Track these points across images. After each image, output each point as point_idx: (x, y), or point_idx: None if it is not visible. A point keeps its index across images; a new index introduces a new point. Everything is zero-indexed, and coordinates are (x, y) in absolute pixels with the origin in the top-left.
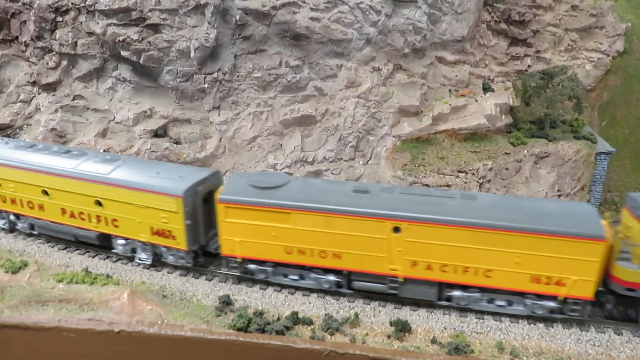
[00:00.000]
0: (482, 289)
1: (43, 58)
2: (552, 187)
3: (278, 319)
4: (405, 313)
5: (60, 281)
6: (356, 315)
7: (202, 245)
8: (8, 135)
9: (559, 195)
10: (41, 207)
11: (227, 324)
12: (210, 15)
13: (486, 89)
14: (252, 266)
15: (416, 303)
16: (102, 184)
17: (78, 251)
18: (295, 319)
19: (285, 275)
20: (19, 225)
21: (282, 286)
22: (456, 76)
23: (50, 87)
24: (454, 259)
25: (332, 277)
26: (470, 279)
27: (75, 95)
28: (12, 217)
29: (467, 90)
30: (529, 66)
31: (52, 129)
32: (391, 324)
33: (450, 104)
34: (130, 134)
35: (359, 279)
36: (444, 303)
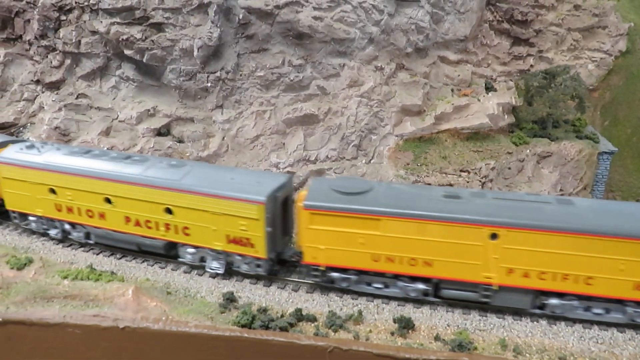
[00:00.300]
0: (579, 297)
1: (47, 57)
2: (555, 187)
3: (282, 316)
4: (409, 310)
5: (65, 278)
6: (359, 312)
7: (278, 252)
8: (12, 134)
9: (562, 195)
10: (102, 216)
11: (231, 320)
12: (213, 14)
13: (489, 88)
14: (335, 274)
15: (419, 300)
16: (173, 191)
17: (82, 248)
18: (299, 316)
19: (369, 284)
20: (74, 235)
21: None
22: (459, 76)
23: (54, 86)
24: (553, 266)
25: (421, 286)
26: (570, 287)
27: (79, 94)
28: (67, 227)
29: (470, 89)
30: (531, 66)
31: (56, 128)
32: (394, 321)
33: (452, 104)
34: (133, 132)
35: (449, 287)
36: (537, 311)
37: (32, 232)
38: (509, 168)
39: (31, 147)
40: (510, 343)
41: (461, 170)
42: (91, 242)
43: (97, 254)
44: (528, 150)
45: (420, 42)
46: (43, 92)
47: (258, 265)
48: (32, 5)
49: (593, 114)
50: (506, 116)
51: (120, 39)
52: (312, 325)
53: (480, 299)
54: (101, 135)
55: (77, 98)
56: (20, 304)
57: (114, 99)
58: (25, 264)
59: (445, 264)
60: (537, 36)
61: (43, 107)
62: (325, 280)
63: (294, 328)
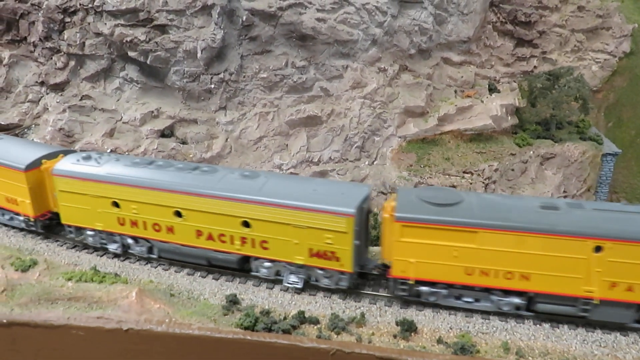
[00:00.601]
0: None
1: (51, 58)
2: (558, 188)
3: (285, 318)
4: (411, 313)
5: (69, 279)
6: (362, 314)
7: (360, 265)
8: (16, 135)
9: (565, 197)
10: (170, 230)
11: (234, 322)
12: (217, 16)
13: (492, 89)
14: (424, 288)
15: (421, 303)
16: (252, 203)
17: (86, 250)
18: (302, 318)
19: (458, 298)
20: (136, 250)
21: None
22: (462, 77)
23: (58, 87)
24: None
25: (515, 300)
26: None
27: (83, 96)
28: (129, 241)
29: (473, 91)
30: (535, 67)
31: (60, 129)
32: (397, 323)
33: (455, 105)
34: (137, 134)
35: (545, 301)
36: (637, 326)
37: (37, 234)
38: (513, 169)
39: (88, 158)
40: (512, 346)
41: (464, 172)
42: (154, 256)
43: (101, 256)
44: (531, 152)
45: (424, 44)
46: (47, 94)
47: (341, 280)
48: (36, 7)
49: (597, 116)
50: (509, 117)
51: (124, 41)
52: (315, 327)
53: (579, 313)
54: (105, 136)
55: (81, 99)
56: (25, 305)
57: (118, 100)
58: (29, 266)
59: (543, 277)
60: (540, 37)
61: (47, 109)
62: (412, 295)
63: (297, 330)
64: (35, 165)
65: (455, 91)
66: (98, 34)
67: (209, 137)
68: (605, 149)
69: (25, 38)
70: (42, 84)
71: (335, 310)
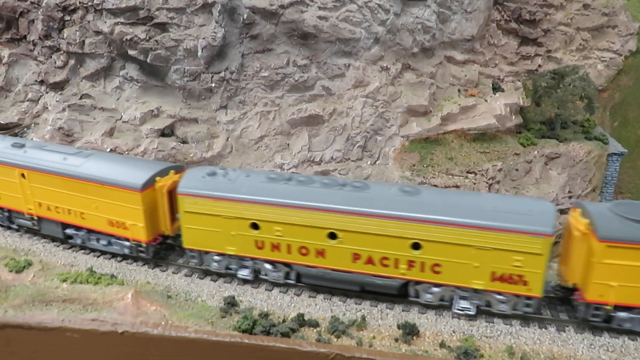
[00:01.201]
0: None
1: (51, 57)
2: (563, 189)
3: (284, 321)
4: (414, 316)
5: (64, 281)
6: (363, 317)
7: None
8: (16, 134)
9: (570, 197)
10: (321, 253)
11: (232, 325)
12: (217, 14)
13: (496, 88)
14: (622, 314)
15: (425, 306)
16: (426, 223)
17: (83, 251)
18: (301, 321)
19: None
20: (272, 275)
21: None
22: (465, 76)
23: (58, 86)
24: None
25: None
26: None
27: (83, 94)
28: (266, 266)
29: (477, 90)
30: (539, 66)
31: (60, 128)
32: (399, 327)
33: (459, 104)
34: (137, 133)
35: None
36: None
37: (34, 234)
38: (517, 169)
39: (213, 174)
40: (517, 350)
41: (468, 172)
42: (291, 281)
43: (98, 257)
44: (536, 152)
45: (427, 42)
46: (47, 93)
47: (527, 305)
48: (36, 5)
49: (602, 115)
50: (514, 117)
51: (124, 39)
52: (315, 330)
53: None
54: (105, 135)
55: (80, 98)
56: (19, 307)
57: (118, 99)
58: (24, 267)
59: None
60: (545, 36)
61: (47, 108)
62: (602, 320)
63: (296, 334)
64: (149, 184)
65: (459, 90)
66: (98, 33)
67: (210, 137)
68: (611, 148)
69: (25, 37)
70: (41, 82)
71: (336, 313)
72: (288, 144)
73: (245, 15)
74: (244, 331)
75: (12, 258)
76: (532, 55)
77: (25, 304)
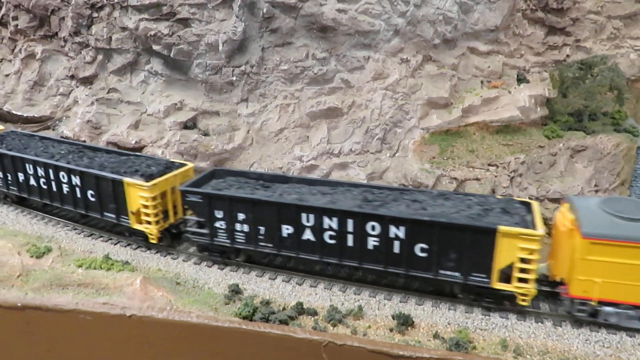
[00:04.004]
0: None
1: (80, 53)
2: (589, 182)
3: (284, 309)
4: (410, 307)
5: (80, 266)
6: (360, 307)
7: None
8: (48, 127)
9: (597, 191)
10: None
11: (233, 312)
12: (238, 9)
13: (521, 80)
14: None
15: (421, 297)
16: None
17: (102, 238)
18: (300, 309)
19: None
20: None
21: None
22: (489, 67)
23: (87, 81)
24: None
25: None
26: None
27: (110, 89)
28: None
29: (500, 81)
30: (567, 56)
31: (88, 121)
32: (394, 317)
33: (481, 96)
34: (161, 125)
35: None
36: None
37: (57, 222)
38: (540, 162)
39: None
40: (511, 344)
41: (489, 164)
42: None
43: (115, 244)
44: (561, 144)
45: (448, 33)
46: (77, 87)
47: None
48: (66, 3)
49: (635, 106)
50: (539, 108)
51: (148, 35)
52: (312, 319)
53: None
54: (130, 128)
55: (108, 92)
56: (38, 290)
57: (143, 93)
58: (44, 253)
59: None
60: (574, 25)
61: (77, 102)
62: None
63: (294, 321)
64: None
65: (482, 82)
66: (124, 29)
67: (231, 129)
68: None
69: (57, 33)
70: (72, 77)
71: (335, 302)
72: (307, 137)
73: (265, 9)
74: (244, 318)
75: (34, 244)
76: (560, 45)
77: (44, 288)
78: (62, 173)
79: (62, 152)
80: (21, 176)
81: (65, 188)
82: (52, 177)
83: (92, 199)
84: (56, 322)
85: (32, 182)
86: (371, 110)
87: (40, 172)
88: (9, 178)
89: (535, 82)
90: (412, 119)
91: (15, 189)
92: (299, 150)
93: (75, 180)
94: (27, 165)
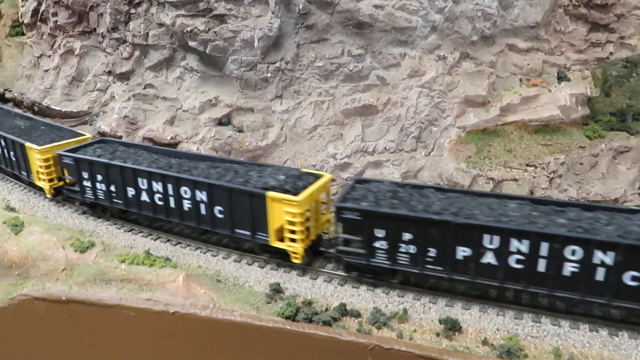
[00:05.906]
0: None
1: (118, 49)
2: (633, 185)
3: (326, 310)
4: (457, 311)
5: (123, 262)
6: (405, 310)
7: None
8: (85, 122)
9: None
10: None
11: (275, 311)
12: (273, 5)
13: (561, 78)
14: None
15: (468, 301)
16: None
17: (142, 233)
18: (343, 311)
19: None
20: None
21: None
22: (528, 65)
23: (124, 77)
24: None
25: None
26: None
27: (147, 84)
28: None
29: (540, 79)
30: (611, 53)
31: (125, 117)
32: (440, 321)
33: (520, 94)
34: (195, 121)
35: None
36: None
37: (98, 216)
38: (581, 163)
39: None
40: (564, 353)
41: (527, 165)
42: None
43: (155, 240)
44: (603, 145)
45: (487, 30)
46: (114, 83)
47: None
48: None
49: None
50: (580, 108)
51: (184, 31)
52: (356, 321)
53: None
54: (166, 124)
55: (144, 88)
56: (82, 284)
57: (179, 89)
58: (87, 247)
59: None
60: (618, 21)
61: (114, 97)
62: None
63: (337, 323)
64: None
65: (521, 80)
66: (160, 25)
67: (265, 126)
68: None
69: (95, 29)
70: (109, 73)
71: (378, 304)
72: (341, 134)
73: (300, 6)
74: (287, 317)
75: (77, 239)
76: (603, 42)
77: (88, 282)
78: (184, 188)
79: (173, 163)
80: (131, 190)
81: (186, 204)
82: (171, 191)
83: (220, 215)
84: (99, 316)
85: (145, 197)
86: (406, 108)
87: (157, 186)
88: (113, 191)
89: (577, 80)
90: (448, 118)
91: (120, 202)
92: (333, 148)
93: (201, 195)
94: (139, 178)
